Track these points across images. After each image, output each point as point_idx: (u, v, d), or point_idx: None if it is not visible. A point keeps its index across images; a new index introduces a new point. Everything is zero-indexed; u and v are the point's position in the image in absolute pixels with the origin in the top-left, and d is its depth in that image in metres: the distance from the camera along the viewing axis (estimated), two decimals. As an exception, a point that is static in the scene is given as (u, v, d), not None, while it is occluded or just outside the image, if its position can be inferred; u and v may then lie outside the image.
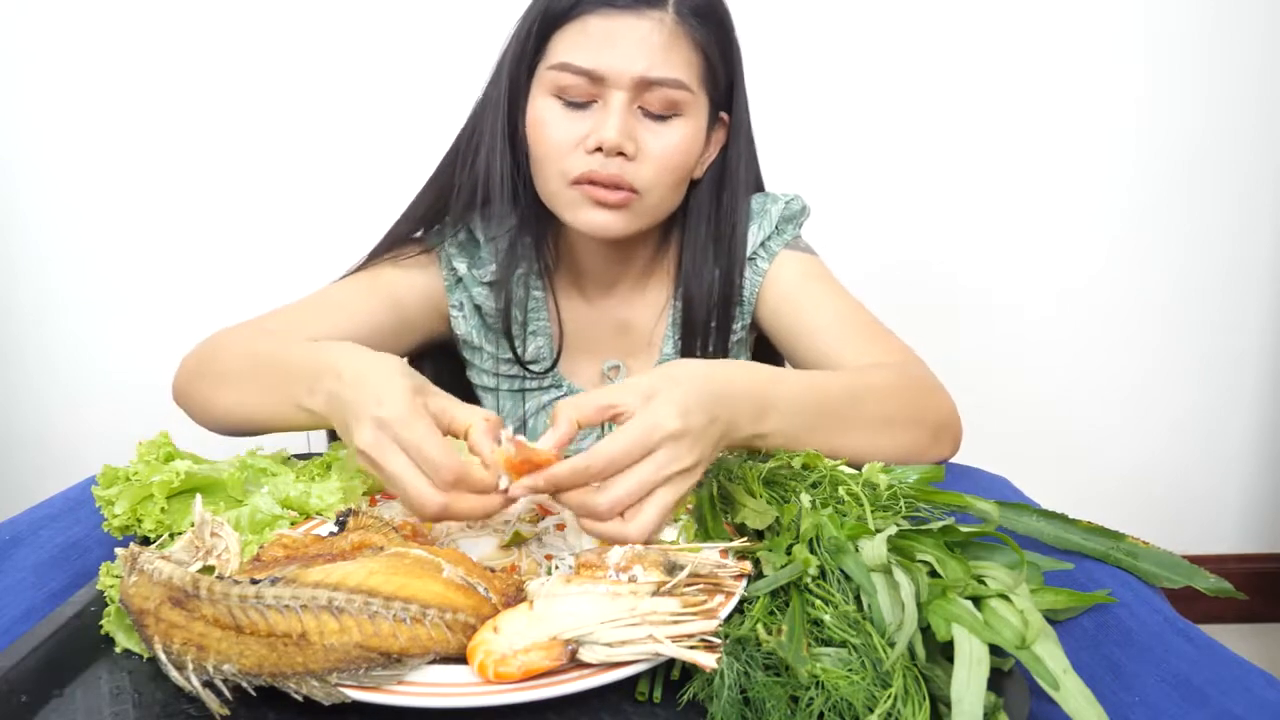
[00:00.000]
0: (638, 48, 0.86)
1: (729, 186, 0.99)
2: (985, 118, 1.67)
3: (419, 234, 1.02)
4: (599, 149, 0.87)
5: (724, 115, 0.98)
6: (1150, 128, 1.69)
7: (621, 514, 0.60)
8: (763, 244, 1.01)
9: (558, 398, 1.03)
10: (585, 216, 0.91)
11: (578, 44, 0.88)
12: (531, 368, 1.03)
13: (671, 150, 0.90)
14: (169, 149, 1.63)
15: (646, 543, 0.60)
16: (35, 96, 1.60)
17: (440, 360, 1.10)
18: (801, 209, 1.04)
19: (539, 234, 1.01)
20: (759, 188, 1.04)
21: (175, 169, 1.64)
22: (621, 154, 0.88)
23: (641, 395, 0.63)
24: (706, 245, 0.99)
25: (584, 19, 0.88)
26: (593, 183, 0.89)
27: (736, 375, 0.71)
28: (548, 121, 0.90)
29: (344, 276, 1.00)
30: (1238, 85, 1.67)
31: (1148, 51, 1.65)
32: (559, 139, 0.89)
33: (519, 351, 1.02)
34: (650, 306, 1.05)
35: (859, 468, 0.72)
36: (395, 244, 1.01)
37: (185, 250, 1.67)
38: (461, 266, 1.00)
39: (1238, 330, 1.79)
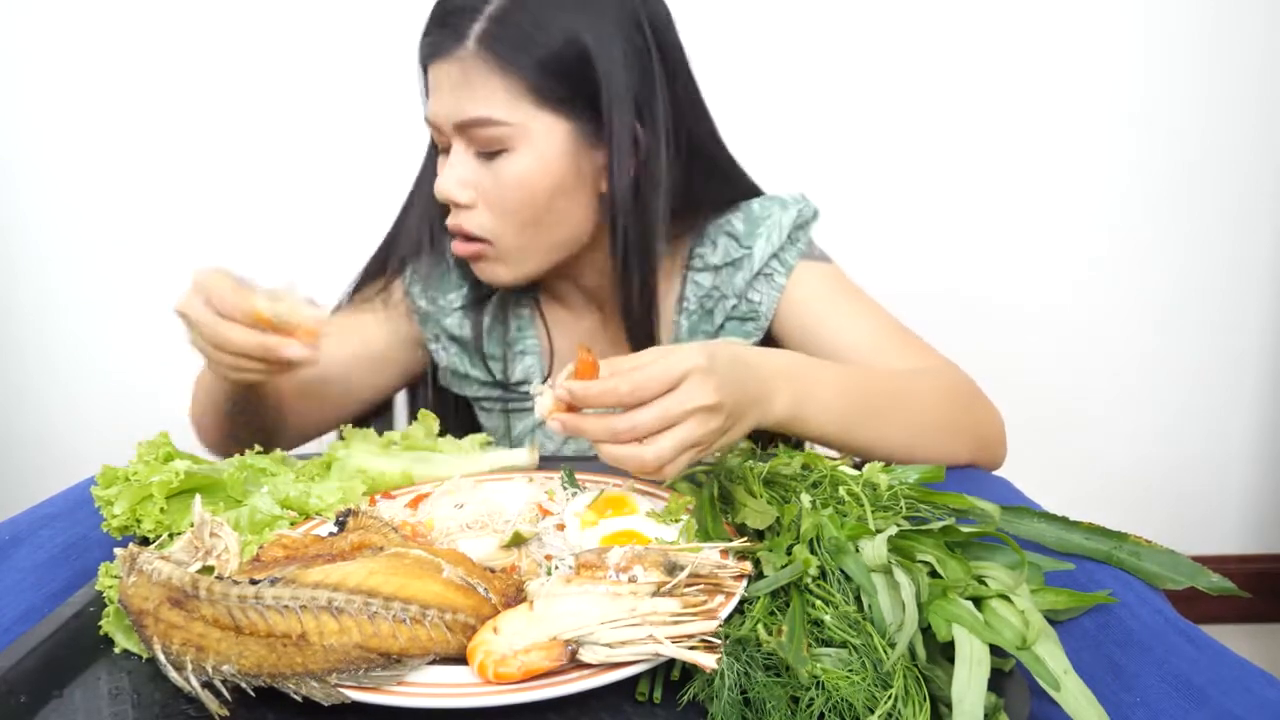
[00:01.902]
0: (450, 91, 0.84)
1: (626, 190, 0.87)
2: (984, 118, 1.67)
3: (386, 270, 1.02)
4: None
5: (638, 126, 0.86)
6: (1150, 128, 1.69)
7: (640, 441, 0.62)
8: (775, 255, 0.94)
9: None
10: (474, 270, 0.91)
11: (429, 96, 0.88)
12: (522, 389, 1.00)
13: (503, 189, 0.84)
14: (169, 149, 1.63)
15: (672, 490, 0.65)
16: (35, 96, 1.60)
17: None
18: (813, 214, 0.97)
19: None
20: (711, 159, 0.95)
21: (175, 169, 1.64)
22: (457, 204, 0.86)
23: (663, 349, 0.65)
24: (630, 260, 0.90)
25: (429, 69, 0.87)
26: (454, 236, 0.88)
27: (774, 357, 0.72)
28: (431, 176, 0.90)
29: None
30: (1238, 85, 1.67)
31: (1148, 51, 1.65)
32: (432, 193, 0.89)
33: (504, 373, 1.00)
34: None
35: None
36: (363, 283, 1.02)
37: (185, 250, 1.67)
38: (424, 302, 0.99)
39: (1238, 330, 1.79)
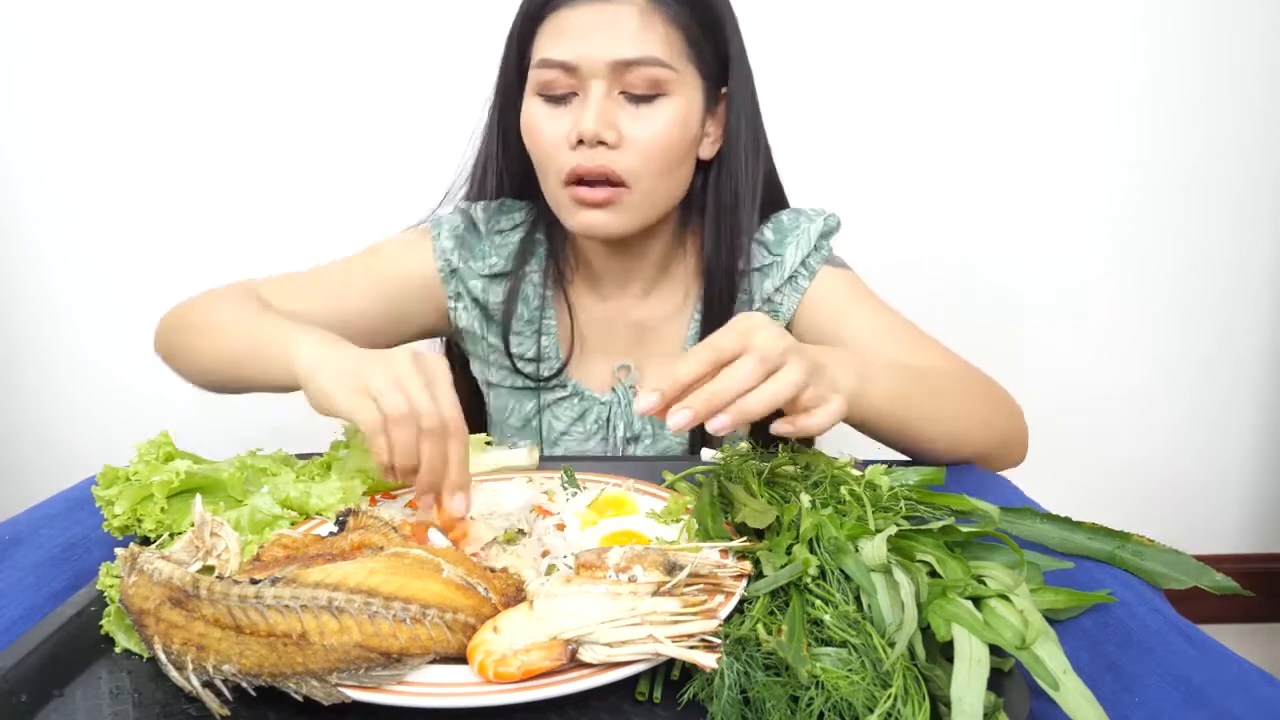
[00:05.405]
0: (610, 33, 0.85)
1: (729, 160, 0.96)
2: (985, 118, 1.67)
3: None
4: (582, 142, 0.86)
5: (725, 90, 0.95)
6: (1150, 128, 1.69)
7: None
8: (803, 262, 0.98)
9: (563, 398, 1.03)
10: (579, 219, 0.90)
11: (554, 39, 0.87)
12: (538, 367, 1.02)
13: (657, 133, 0.87)
14: (169, 149, 1.63)
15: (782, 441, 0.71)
16: (35, 96, 1.60)
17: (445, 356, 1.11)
18: (837, 224, 1.02)
19: (552, 232, 1.01)
20: (769, 162, 1.01)
21: (176, 169, 1.64)
22: (604, 143, 0.86)
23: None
24: (716, 227, 0.96)
25: (558, 14, 0.87)
26: (580, 181, 0.88)
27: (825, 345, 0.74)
28: (535, 123, 0.90)
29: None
30: (1238, 86, 1.67)
31: (1148, 51, 1.65)
32: (547, 138, 0.89)
33: (522, 350, 1.01)
34: (667, 304, 1.03)
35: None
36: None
37: (186, 250, 1.67)
38: (455, 258, 1.00)
39: (1238, 331, 1.79)
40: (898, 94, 1.65)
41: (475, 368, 1.08)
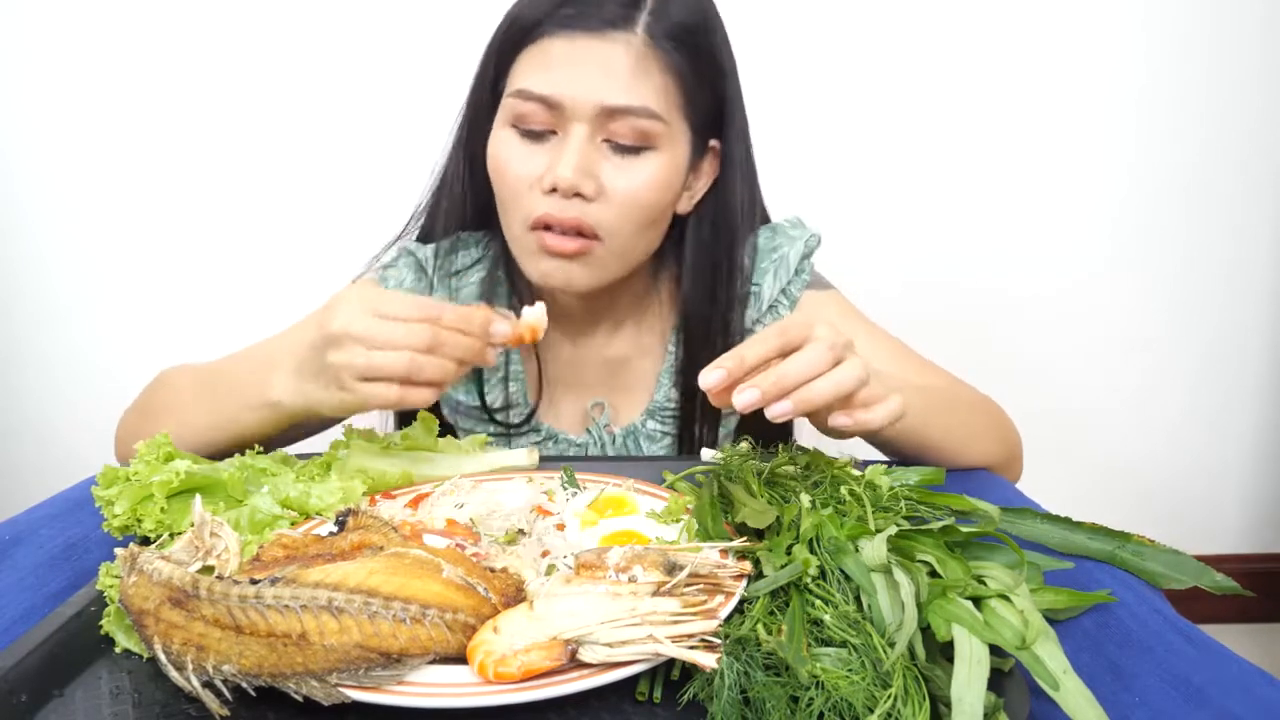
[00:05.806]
0: (601, 73, 0.78)
1: (725, 222, 0.90)
2: (985, 118, 1.67)
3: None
4: (555, 189, 0.79)
5: (714, 143, 0.88)
6: (1150, 128, 1.69)
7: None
8: (783, 290, 0.93)
9: (536, 443, 0.99)
10: (542, 268, 0.83)
11: (537, 68, 0.80)
12: (507, 414, 0.97)
13: (639, 189, 0.80)
14: (170, 151, 1.63)
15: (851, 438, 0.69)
16: (35, 96, 1.60)
17: None
18: (818, 242, 0.96)
19: (513, 269, 0.93)
20: (765, 215, 0.96)
21: (176, 171, 1.64)
22: (580, 195, 0.79)
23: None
24: (710, 285, 0.91)
25: (545, 41, 0.79)
26: (549, 228, 0.81)
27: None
28: (504, 157, 0.82)
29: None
30: (1239, 86, 1.67)
31: (1148, 51, 1.65)
32: (515, 177, 0.81)
33: (491, 400, 0.96)
34: (641, 339, 0.98)
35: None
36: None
37: (186, 251, 1.67)
38: None
39: (1238, 331, 1.79)
40: (898, 97, 1.65)
41: (445, 412, 1.02)
